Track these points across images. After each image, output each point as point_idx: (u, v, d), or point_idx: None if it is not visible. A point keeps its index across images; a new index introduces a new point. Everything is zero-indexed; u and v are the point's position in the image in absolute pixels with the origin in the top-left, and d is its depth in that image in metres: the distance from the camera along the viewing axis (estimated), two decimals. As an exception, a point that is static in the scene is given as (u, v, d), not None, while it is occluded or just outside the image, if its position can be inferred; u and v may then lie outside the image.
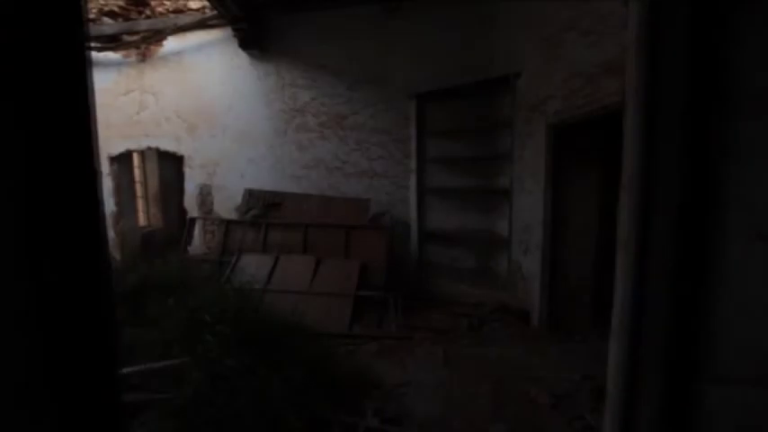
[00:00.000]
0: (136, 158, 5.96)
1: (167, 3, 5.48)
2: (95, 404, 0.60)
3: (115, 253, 5.71)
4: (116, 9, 5.53)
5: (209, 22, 5.19)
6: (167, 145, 5.67)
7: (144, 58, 5.58)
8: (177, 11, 5.43)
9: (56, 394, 0.56)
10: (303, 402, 2.24)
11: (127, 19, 5.56)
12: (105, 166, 5.79)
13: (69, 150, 0.58)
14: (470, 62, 4.68)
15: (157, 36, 5.41)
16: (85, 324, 0.57)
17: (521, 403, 2.49)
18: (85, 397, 0.59)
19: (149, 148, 5.76)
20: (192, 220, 5.52)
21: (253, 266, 4.54)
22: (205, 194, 5.62)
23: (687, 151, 0.60)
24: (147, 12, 5.54)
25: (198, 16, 5.25)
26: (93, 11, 5.60)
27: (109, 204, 5.82)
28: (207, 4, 4.93)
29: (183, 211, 5.72)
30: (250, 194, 5.34)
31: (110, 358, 0.61)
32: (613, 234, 2.56)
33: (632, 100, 0.62)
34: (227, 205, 5.49)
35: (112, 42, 5.55)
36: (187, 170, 5.65)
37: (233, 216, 5.37)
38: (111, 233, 5.84)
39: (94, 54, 5.58)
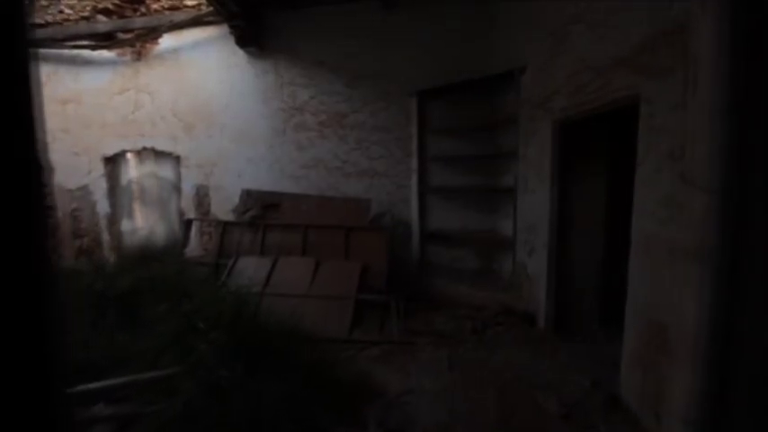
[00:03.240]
0: (131, 159, 5.85)
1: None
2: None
3: (110, 255, 5.61)
4: (110, 6, 5.44)
5: (206, 20, 5.09)
6: (163, 145, 5.57)
7: (139, 56, 5.48)
8: (173, 8, 5.33)
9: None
10: (301, 412, 2.14)
11: (121, 16, 5.46)
12: (100, 167, 5.70)
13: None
14: (471, 59, 4.59)
15: (153, 34, 5.31)
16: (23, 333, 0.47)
17: (528, 412, 2.39)
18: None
19: (145, 149, 5.66)
20: (189, 222, 5.41)
21: (250, 269, 4.44)
22: (202, 195, 5.51)
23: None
24: (142, 9, 5.44)
25: (193, 13, 5.15)
26: (88, 9, 5.51)
27: (104, 206, 5.73)
28: (203, 0, 4.83)
29: (179, 213, 5.62)
30: (248, 195, 5.24)
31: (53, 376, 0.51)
32: (621, 233, 2.42)
33: (707, 71, 0.51)
34: (224, 206, 5.39)
35: (107, 41, 5.45)
36: (184, 170, 5.55)
37: (230, 217, 5.26)
38: (105, 235, 5.74)
39: (89, 53, 5.49)
